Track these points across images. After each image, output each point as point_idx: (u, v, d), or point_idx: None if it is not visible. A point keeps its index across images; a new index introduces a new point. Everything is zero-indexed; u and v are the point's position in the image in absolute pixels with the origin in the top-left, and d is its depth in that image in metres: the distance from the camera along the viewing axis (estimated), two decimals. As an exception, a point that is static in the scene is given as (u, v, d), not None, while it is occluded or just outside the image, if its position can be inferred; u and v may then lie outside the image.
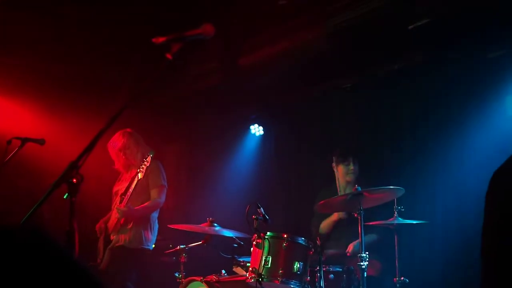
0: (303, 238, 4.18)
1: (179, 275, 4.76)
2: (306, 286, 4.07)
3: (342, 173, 5.33)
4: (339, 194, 5.15)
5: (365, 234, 4.83)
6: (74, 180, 2.07)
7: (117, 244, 5.32)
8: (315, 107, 6.71)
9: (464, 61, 5.19)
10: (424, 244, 5.38)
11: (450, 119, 5.40)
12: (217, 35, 2.37)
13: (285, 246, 4.08)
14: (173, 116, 7.56)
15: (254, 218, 4.22)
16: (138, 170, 5.17)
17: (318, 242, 4.19)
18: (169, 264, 5.49)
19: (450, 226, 5.25)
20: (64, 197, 2.09)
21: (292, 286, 4.02)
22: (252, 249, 4.20)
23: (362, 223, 4.27)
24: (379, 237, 5.04)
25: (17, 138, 4.64)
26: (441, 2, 4.82)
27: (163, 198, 5.46)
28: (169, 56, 2.28)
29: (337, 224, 5.19)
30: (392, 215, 4.45)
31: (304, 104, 6.79)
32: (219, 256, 4.71)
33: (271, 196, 6.80)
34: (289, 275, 4.03)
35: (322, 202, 4.60)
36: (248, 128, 7.18)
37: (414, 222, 4.45)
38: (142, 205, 5.36)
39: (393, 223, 4.42)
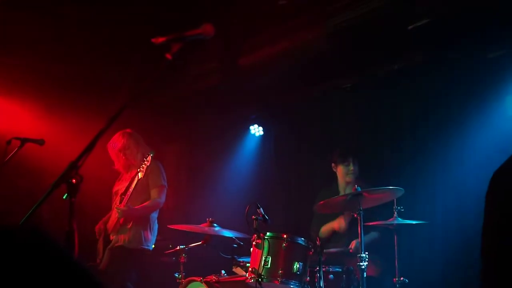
0: (302, 239, 4.18)
1: (178, 275, 4.76)
2: (305, 286, 4.07)
3: (342, 174, 5.33)
4: (340, 195, 5.15)
5: (366, 233, 4.85)
6: (74, 180, 2.07)
7: (116, 244, 5.32)
8: (315, 107, 6.70)
9: (464, 61, 5.18)
10: (423, 244, 5.38)
11: (450, 119, 5.40)
12: (217, 35, 2.37)
13: (284, 246, 4.08)
14: (173, 116, 7.56)
15: (254, 218, 4.22)
16: (138, 169, 5.17)
17: (317, 242, 4.18)
18: (168, 264, 5.48)
19: (450, 226, 5.25)
20: (64, 197, 2.09)
21: (291, 286, 4.02)
22: (251, 249, 4.20)
23: (362, 223, 4.26)
24: (380, 235, 5.04)
25: (17, 138, 4.64)
26: (441, 2, 4.81)
27: (163, 198, 5.46)
28: (168, 56, 2.28)
29: (336, 232, 5.19)
30: (391, 215, 4.45)
31: (304, 104, 6.79)
32: (219, 256, 4.71)
33: (270, 196, 6.79)
34: (289, 275, 4.03)
35: (322, 202, 4.60)
36: (248, 128, 7.17)
37: (414, 222, 4.45)
38: (142, 205, 5.36)
39: (392, 223, 4.42)
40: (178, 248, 4.84)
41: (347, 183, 5.29)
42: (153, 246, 5.49)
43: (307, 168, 6.72)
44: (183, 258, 4.80)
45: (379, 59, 5.67)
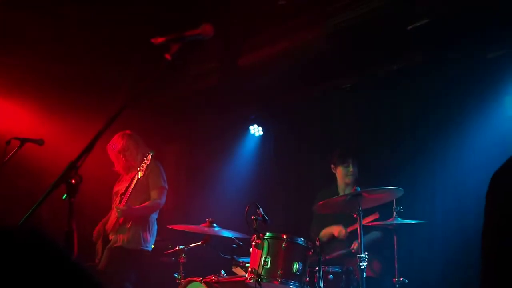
0: (302, 239, 4.18)
1: (178, 275, 4.76)
2: (305, 286, 4.07)
3: (341, 175, 5.33)
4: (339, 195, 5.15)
5: (368, 232, 4.85)
6: (73, 180, 2.07)
7: (115, 244, 5.31)
8: (315, 107, 6.70)
9: (464, 61, 5.19)
10: (423, 244, 5.38)
11: (449, 119, 5.41)
12: (217, 35, 2.37)
13: (284, 246, 4.08)
14: (173, 116, 7.56)
15: (254, 219, 4.21)
16: (138, 168, 5.17)
17: (317, 242, 4.18)
18: (168, 265, 5.48)
19: (449, 226, 5.25)
20: (63, 197, 2.09)
21: (291, 286, 4.02)
22: (251, 249, 4.20)
23: (361, 224, 4.26)
24: (382, 234, 5.04)
25: (16, 138, 4.64)
26: (441, 2, 4.81)
27: (163, 200, 5.45)
28: (168, 56, 2.28)
29: (335, 237, 5.18)
30: (391, 216, 4.45)
31: (304, 104, 6.79)
32: (219, 256, 4.71)
33: (270, 197, 6.79)
34: (289, 275, 4.03)
35: (321, 202, 4.60)
36: (248, 129, 7.17)
37: (414, 222, 4.45)
38: (142, 205, 5.36)
39: (392, 223, 4.42)
40: (177, 248, 4.84)
41: (347, 184, 5.29)
42: (153, 246, 5.49)
43: (307, 168, 6.72)
44: (182, 258, 4.80)
45: (379, 59, 5.67)
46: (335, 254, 4.94)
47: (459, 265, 5.03)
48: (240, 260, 4.61)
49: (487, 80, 5.16)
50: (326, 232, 5.22)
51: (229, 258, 4.67)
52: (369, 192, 4.35)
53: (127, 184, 5.30)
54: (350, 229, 5.00)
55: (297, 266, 4.05)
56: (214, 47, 6.24)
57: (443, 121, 5.47)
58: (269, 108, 7.04)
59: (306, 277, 4.10)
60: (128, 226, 5.32)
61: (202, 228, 4.71)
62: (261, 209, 4.27)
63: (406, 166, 5.56)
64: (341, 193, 5.26)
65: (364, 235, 4.29)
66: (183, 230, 4.86)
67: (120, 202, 5.25)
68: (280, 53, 5.82)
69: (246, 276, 4.12)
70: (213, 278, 4.42)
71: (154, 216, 5.52)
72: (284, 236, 4.12)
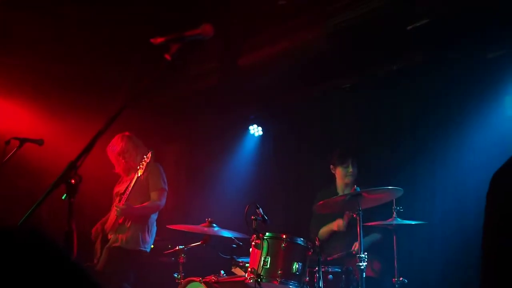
0: (302, 239, 4.18)
1: (178, 275, 4.76)
2: (305, 286, 4.07)
3: (341, 175, 5.32)
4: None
5: (368, 234, 4.84)
6: (73, 180, 2.07)
7: (114, 244, 5.31)
8: (314, 107, 6.70)
9: (464, 61, 5.19)
10: (423, 245, 5.38)
11: (449, 119, 5.41)
12: (217, 35, 2.37)
13: (284, 246, 4.08)
14: (173, 116, 7.56)
15: (253, 219, 4.21)
16: (138, 166, 5.18)
17: (317, 242, 4.18)
18: (168, 265, 5.49)
19: (449, 226, 5.25)
20: (63, 197, 2.09)
21: (291, 286, 4.02)
22: (251, 249, 4.20)
23: (361, 224, 4.26)
24: (382, 236, 5.04)
25: (16, 138, 4.64)
26: (441, 2, 4.81)
27: (163, 202, 5.45)
28: (167, 56, 2.28)
29: (335, 233, 5.19)
30: (391, 216, 4.45)
31: (303, 104, 6.79)
32: (218, 256, 4.71)
33: (270, 197, 6.79)
34: (288, 275, 4.03)
35: (321, 202, 4.60)
36: (247, 129, 7.17)
37: (413, 222, 4.44)
38: (141, 205, 5.36)
39: (392, 224, 4.42)
40: (177, 248, 4.84)
41: (346, 185, 5.28)
42: (152, 246, 5.49)
43: (307, 168, 6.72)
44: (182, 258, 4.80)
45: (379, 59, 5.67)
46: (335, 255, 4.94)
47: (459, 265, 5.03)
48: (240, 260, 4.61)
49: (487, 80, 5.16)
50: (325, 229, 5.22)
51: (228, 258, 4.67)
52: (369, 192, 4.36)
53: (127, 185, 5.31)
54: (346, 218, 5.00)
55: (297, 266, 4.05)
56: (214, 47, 6.25)
57: (443, 121, 5.47)
58: (269, 108, 7.04)
59: (306, 277, 4.10)
60: (128, 226, 5.33)
61: (201, 228, 4.71)
62: (260, 209, 4.27)
63: (406, 166, 5.56)
64: (341, 194, 5.25)
65: (363, 236, 4.29)
66: (183, 230, 4.86)
67: (119, 202, 5.25)
68: (280, 53, 5.82)
69: (246, 276, 4.11)
70: (212, 278, 4.41)
71: (154, 217, 5.52)
72: (284, 236, 4.12)
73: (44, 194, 2.08)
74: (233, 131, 7.39)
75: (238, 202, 5.64)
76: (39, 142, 4.84)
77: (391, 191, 4.36)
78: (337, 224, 5.12)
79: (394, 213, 4.43)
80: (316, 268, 4.15)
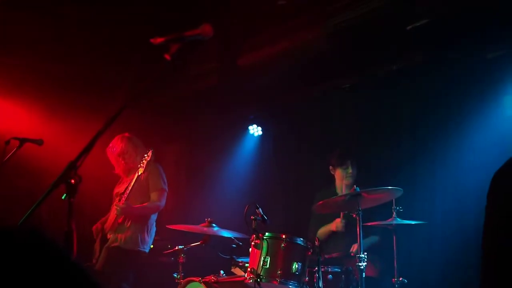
0: (301, 239, 4.18)
1: (177, 275, 4.76)
2: (304, 286, 4.07)
3: (341, 177, 5.31)
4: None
5: (366, 236, 4.83)
6: (73, 180, 2.07)
7: (113, 244, 5.31)
8: (314, 107, 6.70)
9: (464, 61, 5.19)
10: (422, 245, 5.38)
11: (449, 119, 5.41)
12: (217, 35, 2.37)
13: (283, 246, 4.08)
14: (173, 116, 7.56)
15: (253, 219, 4.21)
16: (139, 165, 5.18)
17: (316, 243, 4.18)
18: (167, 265, 5.49)
19: (449, 226, 5.25)
20: (63, 197, 2.09)
21: (290, 286, 4.02)
22: (250, 249, 4.20)
23: (361, 224, 4.26)
24: (380, 239, 5.04)
25: (16, 138, 4.64)
26: (441, 2, 4.81)
27: (163, 202, 5.45)
28: (167, 56, 2.28)
29: (334, 233, 5.18)
30: (390, 216, 4.45)
31: (303, 104, 6.79)
32: (218, 256, 4.71)
33: (269, 197, 6.79)
34: (288, 275, 4.03)
35: (321, 202, 4.59)
36: (247, 129, 7.17)
37: (413, 222, 4.44)
38: (141, 205, 5.36)
39: (391, 224, 4.42)
40: (176, 248, 4.84)
41: (346, 186, 5.27)
42: (152, 246, 5.49)
43: (306, 168, 6.72)
44: (181, 258, 4.80)
45: (379, 59, 5.67)
46: (334, 254, 4.94)
47: (459, 265, 5.03)
48: (239, 260, 4.61)
49: (487, 80, 5.16)
50: (323, 230, 5.22)
51: (228, 258, 4.67)
52: (369, 192, 4.35)
53: (127, 185, 5.31)
54: (342, 215, 5.00)
55: (296, 266, 4.05)
56: (214, 47, 6.24)
57: (443, 121, 5.47)
58: (268, 108, 7.04)
59: (305, 277, 4.10)
60: (127, 226, 5.33)
61: (201, 228, 4.71)
62: (260, 209, 4.27)
63: (406, 166, 5.56)
64: (340, 194, 5.25)
65: (362, 238, 4.29)
66: (182, 230, 4.86)
67: (119, 201, 5.25)
68: (280, 53, 5.82)
69: (245, 276, 4.12)
70: (212, 278, 4.42)
71: (153, 217, 5.51)
72: (283, 236, 4.12)
73: (44, 194, 2.08)
74: (233, 131, 7.39)
75: (237, 202, 5.64)
76: (39, 142, 4.84)
77: (391, 191, 4.36)
78: (335, 225, 5.11)
79: (394, 213, 4.43)
80: (316, 268, 4.15)
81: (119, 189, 5.50)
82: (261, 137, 7.18)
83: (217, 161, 7.47)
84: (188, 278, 4.60)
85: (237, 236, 4.68)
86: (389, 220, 4.43)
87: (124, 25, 5.97)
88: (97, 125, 2.23)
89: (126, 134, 5.52)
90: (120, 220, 5.31)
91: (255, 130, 7.14)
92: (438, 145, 5.48)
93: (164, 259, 5.57)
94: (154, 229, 5.52)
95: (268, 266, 4.04)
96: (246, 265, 4.29)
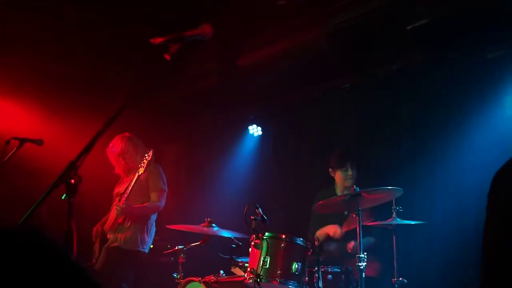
0: (301, 239, 4.18)
1: (177, 275, 4.76)
2: (304, 286, 4.07)
3: (341, 179, 5.30)
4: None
5: (363, 237, 4.83)
6: (73, 180, 2.07)
7: (112, 244, 5.31)
8: (314, 107, 6.70)
9: (464, 61, 5.19)
10: (422, 245, 5.38)
11: (449, 119, 5.41)
12: (217, 35, 2.37)
13: (283, 246, 4.08)
14: (173, 116, 7.56)
15: (253, 219, 4.21)
16: (139, 165, 5.18)
17: (316, 243, 4.18)
18: (167, 265, 5.49)
19: (449, 227, 5.25)
20: (62, 197, 2.09)
21: (290, 286, 4.02)
22: (250, 249, 4.20)
23: (361, 224, 4.26)
24: (376, 240, 5.03)
25: (16, 138, 4.64)
26: (441, 2, 4.81)
27: (163, 203, 5.44)
28: (167, 56, 2.28)
29: (330, 237, 5.17)
30: (390, 216, 4.45)
31: (303, 104, 6.79)
32: (218, 256, 4.71)
33: (269, 197, 6.79)
34: (288, 275, 4.03)
35: (321, 202, 4.59)
36: (247, 129, 7.17)
37: (413, 222, 4.44)
38: (141, 205, 5.36)
39: (391, 224, 4.42)
40: (176, 248, 4.84)
41: (346, 187, 5.26)
42: (152, 246, 5.49)
43: (306, 168, 6.72)
44: (181, 258, 4.80)
45: (379, 59, 5.67)
46: (330, 248, 4.94)
47: (459, 265, 5.03)
48: (239, 260, 4.61)
49: (487, 80, 5.16)
50: (321, 232, 5.21)
51: (228, 258, 4.67)
52: (368, 192, 4.35)
53: (127, 185, 5.31)
54: (345, 229, 4.98)
55: (296, 266, 4.05)
56: (214, 47, 6.24)
57: (443, 121, 5.47)
58: (268, 108, 7.04)
59: (305, 277, 4.10)
60: (127, 226, 5.33)
61: (201, 228, 4.71)
62: (260, 209, 4.27)
63: (406, 166, 5.56)
64: (340, 194, 5.24)
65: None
66: (182, 230, 4.86)
67: (119, 201, 5.25)
68: (280, 53, 5.82)
69: (245, 276, 4.12)
70: (212, 278, 4.42)
71: (153, 217, 5.51)
72: (283, 236, 4.12)
73: (44, 194, 2.08)
74: (233, 131, 7.39)
75: (237, 202, 5.64)
76: (39, 142, 4.84)
77: (391, 191, 4.36)
78: (334, 231, 5.09)
79: (394, 213, 4.43)
80: (316, 268, 4.15)
81: (119, 189, 5.49)
82: (261, 137, 7.18)
83: (217, 161, 7.47)
84: (188, 278, 4.60)
85: (237, 236, 4.68)
86: (389, 220, 4.43)
87: (124, 25, 5.97)
88: (97, 125, 2.23)
89: (126, 134, 5.52)
90: (120, 220, 5.31)
91: (255, 130, 7.14)
92: (438, 145, 5.48)
93: (164, 259, 5.57)
94: (154, 229, 5.52)
95: (268, 266, 4.04)
96: (246, 265, 4.29)
